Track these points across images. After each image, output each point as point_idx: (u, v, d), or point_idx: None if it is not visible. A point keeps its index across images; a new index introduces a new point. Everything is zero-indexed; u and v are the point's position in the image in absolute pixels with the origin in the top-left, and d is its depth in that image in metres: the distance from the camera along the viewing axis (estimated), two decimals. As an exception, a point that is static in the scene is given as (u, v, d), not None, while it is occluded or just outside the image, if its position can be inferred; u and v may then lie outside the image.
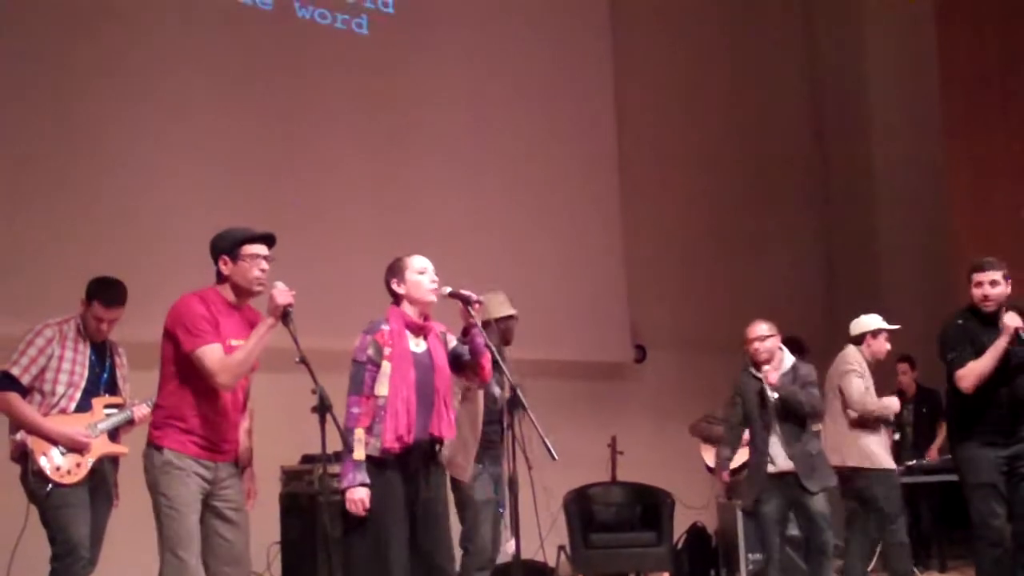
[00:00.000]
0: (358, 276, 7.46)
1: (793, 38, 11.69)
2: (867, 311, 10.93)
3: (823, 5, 11.91)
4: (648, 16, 10.26)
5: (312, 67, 7.96)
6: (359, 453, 4.34)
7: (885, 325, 6.88)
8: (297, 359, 4.03)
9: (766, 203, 10.78)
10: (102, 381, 5.09)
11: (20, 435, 4.89)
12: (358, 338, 4.51)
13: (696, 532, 8.24)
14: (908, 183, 10.96)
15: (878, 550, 7.18)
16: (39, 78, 6.67)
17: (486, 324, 5.43)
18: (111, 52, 6.99)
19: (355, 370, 4.46)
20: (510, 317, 5.86)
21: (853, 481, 6.63)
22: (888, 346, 6.88)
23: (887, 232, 11.31)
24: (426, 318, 4.61)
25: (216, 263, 4.25)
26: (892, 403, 6.67)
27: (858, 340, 6.91)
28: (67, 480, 4.85)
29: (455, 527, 5.08)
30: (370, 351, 4.46)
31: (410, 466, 4.42)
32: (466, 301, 4.53)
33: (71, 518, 4.83)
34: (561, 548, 7.73)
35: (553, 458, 4.81)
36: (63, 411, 4.94)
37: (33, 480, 4.83)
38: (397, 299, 4.60)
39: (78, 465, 4.89)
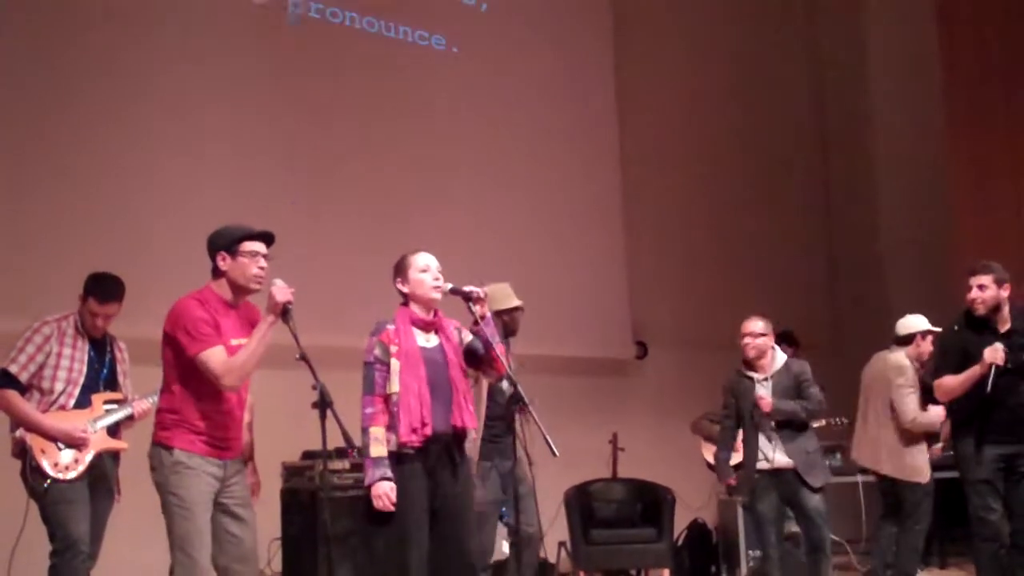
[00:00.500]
0: (358, 273, 7.49)
1: (795, 38, 11.67)
2: (869, 309, 11.03)
3: (825, 5, 11.89)
4: (649, 16, 10.25)
5: (312, 66, 7.95)
6: (376, 451, 4.37)
7: (932, 326, 6.83)
8: (297, 356, 4.04)
9: (768, 201, 10.77)
10: (101, 377, 5.10)
11: (19, 432, 4.91)
12: (366, 341, 4.54)
13: (697, 528, 8.25)
14: (910, 182, 10.95)
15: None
16: (39, 76, 6.66)
17: (496, 315, 5.52)
18: (111, 50, 6.98)
19: (365, 372, 4.50)
20: (515, 308, 5.88)
21: (888, 486, 6.71)
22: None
23: (889, 231, 11.30)
24: (436, 314, 4.62)
25: (214, 259, 4.24)
26: (938, 414, 6.57)
27: (906, 340, 6.86)
28: (65, 476, 4.87)
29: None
30: (377, 351, 4.49)
31: (431, 460, 4.43)
32: (467, 297, 4.53)
33: (70, 514, 4.84)
34: (562, 544, 7.74)
35: (554, 454, 4.82)
36: (62, 408, 4.96)
37: (32, 476, 4.85)
38: (404, 298, 4.61)
39: (76, 461, 4.90)
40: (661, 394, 9.52)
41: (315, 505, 6.18)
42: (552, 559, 7.52)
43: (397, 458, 4.39)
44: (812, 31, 11.84)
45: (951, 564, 8.46)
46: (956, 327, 5.89)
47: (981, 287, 5.73)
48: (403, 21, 8.57)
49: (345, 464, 6.34)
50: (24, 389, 4.93)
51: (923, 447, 6.69)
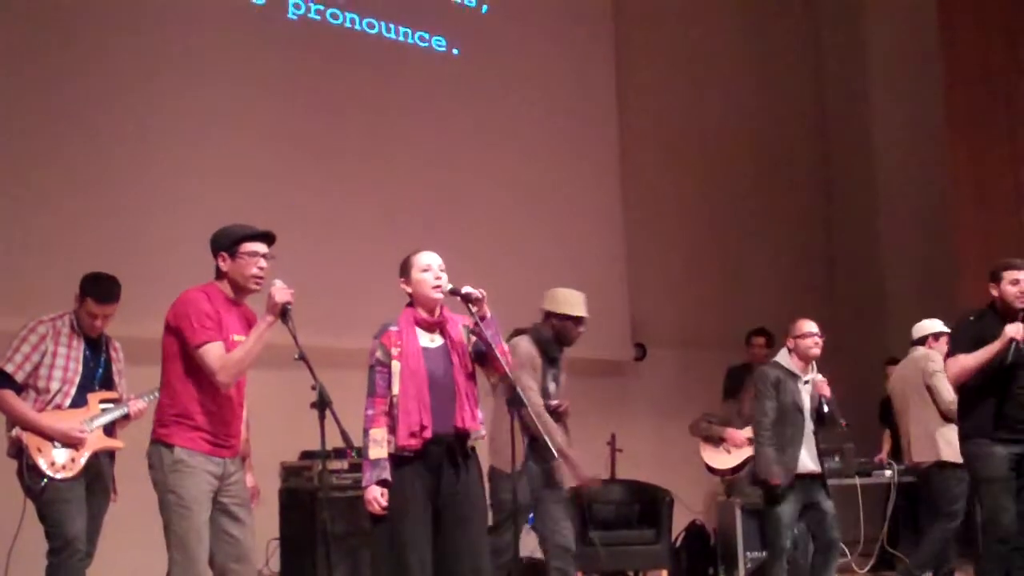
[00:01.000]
0: (358, 274, 7.50)
1: (796, 37, 11.68)
2: (868, 310, 11.04)
3: (825, 4, 11.90)
4: (650, 18, 10.25)
5: (312, 67, 7.95)
6: (374, 453, 4.36)
7: (946, 328, 6.86)
8: (296, 356, 4.04)
9: (767, 203, 10.78)
10: (97, 376, 5.11)
11: (15, 431, 4.91)
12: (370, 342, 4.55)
13: (695, 530, 8.25)
14: (910, 182, 10.96)
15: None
16: (41, 76, 6.66)
17: (546, 316, 5.57)
18: (110, 50, 6.98)
19: (369, 374, 4.49)
20: (565, 316, 5.59)
21: (931, 477, 6.74)
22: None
23: (889, 231, 11.31)
24: (442, 313, 4.61)
25: (215, 259, 4.26)
26: None
27: (920, 343, 6.98)
28: (62, 475, 4.87)
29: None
30: (378, 354, 4.48)
31: (432, 461, 4.42)
32: (465, 299, 4.52)
33: (67, 513, 4.85)
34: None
35: (553, 456, 4.83)
36: (58, 407, 4.96)
37: (28, 475, 4.86)
38: (410, 298, 4.61)
39: (72, 460, 4.91)
40: (659, 395, 9.53)
41: (313, 505, 6.18)
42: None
43: (396, 460, 4.38)
44: (813, 30, 11.85)
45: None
46: (972, 317, 5.83)
47: (1015, 282, 5.65)
48: (403, 22, 8.57)
49: (344, 464, 6.35)
50: (20, 388, 4.93)
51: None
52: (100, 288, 5.06)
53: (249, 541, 4.25)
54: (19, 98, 6.58)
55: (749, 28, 11.03)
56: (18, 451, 4.91)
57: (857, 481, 7.75)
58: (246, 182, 7.35)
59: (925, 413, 6.82)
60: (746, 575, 7.48)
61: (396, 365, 4.43)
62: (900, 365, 7.19)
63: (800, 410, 6.02)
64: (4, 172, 6.48)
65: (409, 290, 4.58)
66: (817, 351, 6.10)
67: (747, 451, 7.64)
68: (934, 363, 6.77)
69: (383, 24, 8.47)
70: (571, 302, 5.62)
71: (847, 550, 8.10)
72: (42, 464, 4.84)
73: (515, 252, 8.75)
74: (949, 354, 5.80)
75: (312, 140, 7.85)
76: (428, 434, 4.37)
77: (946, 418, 6.66)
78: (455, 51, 8.87)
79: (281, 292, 4.08)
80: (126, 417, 5.12)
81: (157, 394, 4.43)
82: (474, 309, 4.47)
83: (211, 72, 7.40)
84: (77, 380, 5.02)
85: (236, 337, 4.16)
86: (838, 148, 11.68)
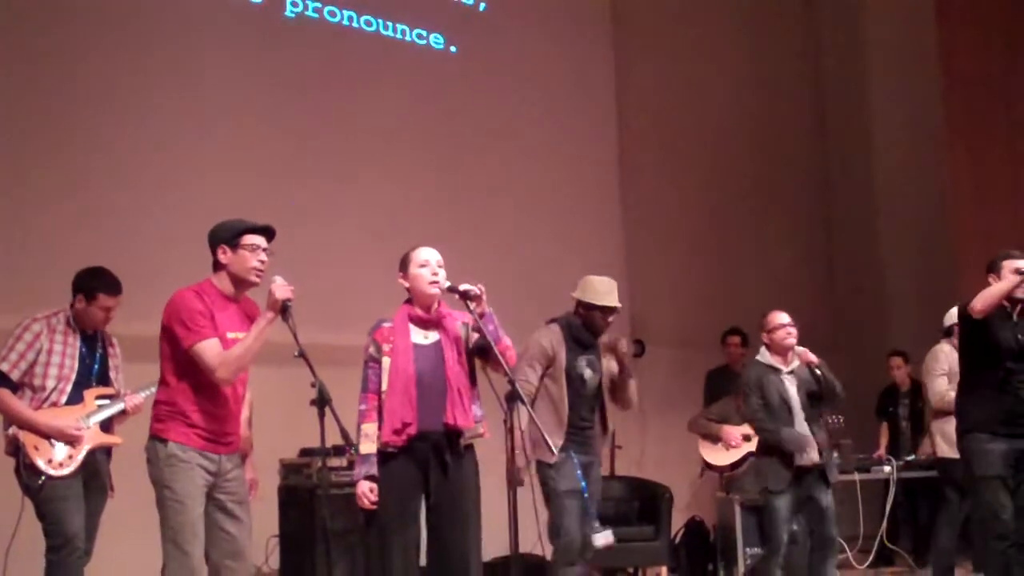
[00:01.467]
0: (358, 271, 7.50)
1: (795, 37, 11.67)
2: (867, 307, 11.03)
3: (824, 5, 11.90)
4: (649, 16, 10.24)
5: (310, 64, 7.95)
6: (365, 447, 4.40)
7: None
8: (296, 353, 4.04)
9: (767, 200, 10.78)
10: (93, 372, 5.10)
11: (12, 430, 4.91)
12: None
13: (694, 526, 8.25)
14: (909, 181, 10.96)
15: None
16: (39, 77, 6.66)
17: (576, 305, 5.51)
18: (108, 49, 6.99)
19: (363, 371, 4.55)
20: (592, 306, 5.48)
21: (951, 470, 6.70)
22: None
23: (888, 230, 11.31)
24: (439, 310, 4.61)
25: (214, 252, 4.26)
26: None
27: (949, 332, 6.89)
28: (59, 473, 4.86)
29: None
30: (371, 350, 4.53)
31: (419, 458, 4.43)
32: (463, 295, 4.53)
33: (65, 510, 4.85)
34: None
35: (552, 453, 4.83)
36: (54, 404, 4.95)
37: (26, 474, 4.86)
38: (409, 293, 4.62)
39: (70, 457, 4.90)
40: (659, 392, 9.51)
41: (313, 502, 6.19)
42: (550, 556, 7.52)
43: (382, 456, 4.41)
44: (812, 30, 11.85)
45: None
46: None
47: (1017, 271, 5.66)
48: (401, 20, 8.57)
49: (343, 461, 6.35)
50: (16, 387, 4.92)
51: None
52: (108, 280, 5.07)
53: (245, 539, 4.26)
54: (18, 99, 6.58)
55: (748, 28, 11.02)
56: (15, 449, 4.90)
57: (856, 477, 7.75)
58: (245, 181, 7.35)
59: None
60: (745, 571, 7.48)
61: (387, 361, 4.46)
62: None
63: (787, 404, 6.00)
64: (2, 172, 6.48)
65: (407, 285, 4.60)
66: (792, 340, 6.05)
67: (746, 448, 7.66)
68: (936, 363, 6.82)
69: (381, 22, 8.47)
70: (599, 291, 5.50)
71: (846, 546, 8.12)
72: (39, 462, 4.84)
73: (514, 250, 8.75)
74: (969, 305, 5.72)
75: (311, 138, 7.85)
76: (413, 431, 4.40)
77: (939, 413, 6.72)
78: (453, 49, 8.87)
79: (281, 289, 4.08)
80: (123, 413, 5.11)
81: (153, 388, 4.44)
82: (472, 306, 4.48)
83: (209, 71, 7.40)
84: (73, 377, 5.01)
85: (231, 335, 4.17)
86: (837, 147, 11.68)
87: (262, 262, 4.24)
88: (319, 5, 8.12)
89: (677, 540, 8.11)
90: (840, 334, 10.79)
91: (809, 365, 6.05)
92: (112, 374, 5.20)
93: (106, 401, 5.09)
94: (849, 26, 11.73)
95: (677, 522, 8.06)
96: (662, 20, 10.34)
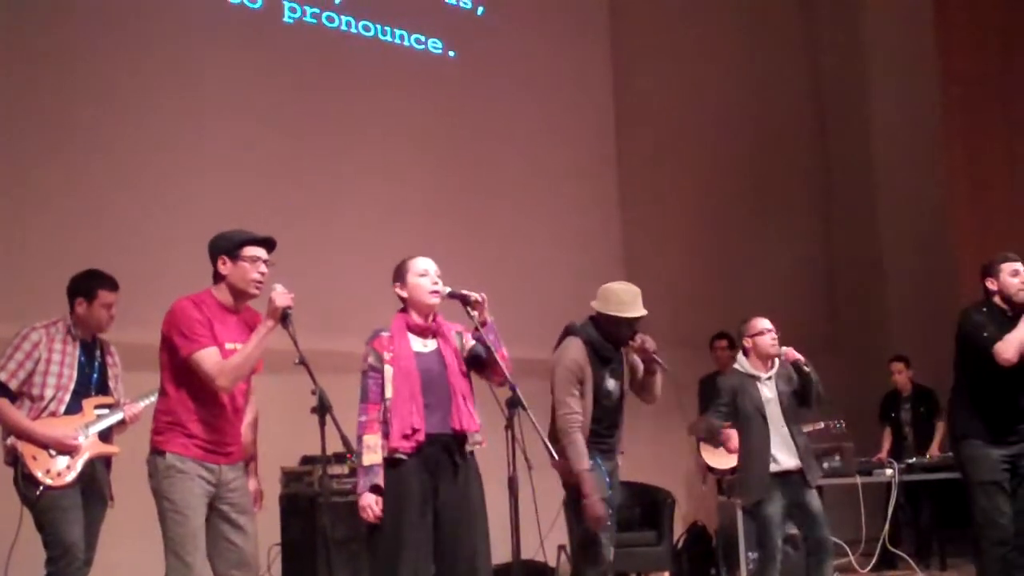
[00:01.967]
0: (358, 278, 7.48)
1: (793, 38, 11.68)
2: (866, 309, 11.03)
3: (823, 6, 11.90)
4: (646, 21, 10.25)
5: (308, 70, 7.95)
6: (368, 459, 4.36)
7: None
8: (296, 360, 4.04)
9: (766, 202, 10.77)
10: (92, 382, 5.08)
11: (10, 440, 4.88)
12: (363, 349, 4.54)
13: (696, 531, 8.24)
14: (908, 182, 10.97)
15: None
16: (38, 79, 6.65)
17: (596, 315, 5.25)
18: (109, 54, 6.97)
19: (361, 381, 4.51)
20: (616, 318, 5.17)
21: None
22: None
23: (887, 231, 11.32)
24: (435, 319, 4.61)
25: (214, 264, 4.25)
26: None
27: None
28: (58, 483, 4.84)
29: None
30: (371, 359, 4.50)
31: (428, 463, 4.42)
32: (465, 301, 4.52)
33: (64, 520, 4.82)
34: (561, 548, 7.71)
35: (553, 458, 4.81)
36: (53, 414, 4.92)
37: (24, 484, 4.83)
38: (404, 303, 4.60)
39: (68, 467, 4.88)
40: (660, 396, 9.50)
41: (314, 510, 6.17)
42: (552, 563, 7.51)
43: (391, 463, 4.38)
44: (811, 31, 11.86)
45: (951, 565, 8.46)
46: (985, 309, 5.67)
47: (1015, 273, 5.59)
48: (399, 25, 8.57)
49: (344, 469, 6.33)
50: (14, 397, 4.89)
51: None
52: (104, 277, 5.07)
53: (250, 548, 4.25)
54: (17, 99, 6.57)
55: (747, 29, 11.03)
56: (14, 459, 4.87)
57: (858, 480, 7.73)
58: (244, 185, 7.34)
59: None
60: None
61: (389, 370, 4.44)
62: None
63: (761, 413, 5.90)
64: (1, 173, 6.46)
65: (404, 295, 4.59)
66: (776, 347, 5.94)
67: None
68: None
69: (379, 27, 8.47)
70: (623, 301, 5.21)
71: (848, 549, 8.11)
72: (38, 473, 4.81)
73: (512, 252, 8.75)
74: (990, 339, 5.51)
75: (309, 142, 7.84)
76: (422, 436, 4.38)
77: None
78: (451, 53, 8.87)
79: (281, 296, 4.07)
80: (122, 422, 5.09)
81: (153, 397, 4.42)
82: (474, 313, 4.47)
83: (208, 75, 7.39)
84: (71, 386, 4.98)
85: (230, 345, 4.15)
86: (836, 148, 11.68)
87: (262, 274, 4.22)
88: (317, 11, 8.11)
89: (679, 545, 8.10)
90: (839, 336, 10.79)
91: (796, 363, 5.97)
92: (111, 383, 5.17)
93: (105, 410, 5.07)
94: (848, 26, 11.74)
95: (679, 527, 8.04)
96: (660, 23, 10.34)
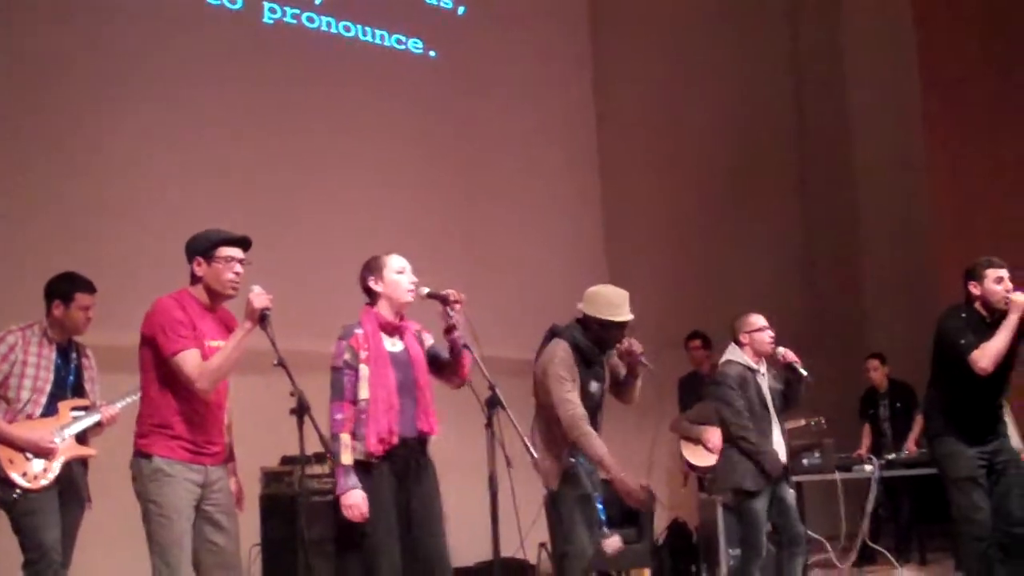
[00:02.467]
0: (337, 278, 7.43)
1: (774, 37, 11.70)
2: (846, 308, 11.07)
3: (803, 7, 11.93)
4: (627, 20, 10.24)
5: (288, 71, 7.92)
6: (347, 458, 4.36)
7: None
8: (275, 362, 4.04)
9: (747, 203, 10.79)
10: (68, 384, 5.08)
11: None
12: (334, 345, 4.52)
13: (677, 528, 8.26)
14: (889, 182, 11.02)
15: None
16: (10, 83, 6.61)
17: (584, 319, 5.24)
18: (86, 55, 6.94)
19: (334, 377, 4.48)
20: (605, 322, 5.19)
21: None
22: None
23: (867, 230, 11.38)
24: (401, 318, 4.62)
25: (191, 264, 4.25)
26: None
27: None
28: (35, 486, 4.83)
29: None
30: (346, 356, 4.48)
31: (399, 466, 4.43)
32: (444, 301, 4.52)
33: (41, 523, 4.82)
34: (542, 546, 7.73)
35: (533, 457, 4.83)
36: (29, 417, 4.93)
37: (0, 487, 4.82)
38: (373, 298, 4.60)
39: (45, 470, 4.88)
40: (641, 394, 9.52)
41: (295, 511, 6.16)
42: (533, 561, 7.52)
43: (365, 467, 4.38)
44: (792, 31, 11.89)
45: (931, 560, 8.52)
46: (963, 315, 5.70)
47: (999, 280, 5.61)
48: (380, 25, 8.55)
49: (325, 469, 6.32)
50: None
51: None
52: (81, 280, 5.07)
53: (233, 549, 4.25)
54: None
55: (728, 30, 11.03)
56: (-10, 462, 4.87)
57: (837, 476, 7.77)
58: (222, 186, 7.32)
59: None
60: (728, 572, 7.50)
61: (364, 369, 4.43)
62: None
63: (764, 404, 6.00)
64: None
65: (379, 289, 4.58)
66: (772, 345, 6.02)
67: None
68: None
69: (359, 27, 8.46)
70: (613, 304, 5.22)
71: (828, 545, 8.15)
72: (14, 476, 4.80)
73: (494, 252, 8.75)
74: (967, 346, 5.53)
75: (289, 143, 7.82)
76: (395, 439, 4.38)
77: None
78: (432, 54, 8.86)
79: (259, 298, 4.07)
80: (99, 424, 5.09)
81: (130, 399, 4.41)
82: (451, 312, 4.47)
83: (187, 76, 7.36)
84: (48, 389, 4.98)
85: (212, 343, 4.15)
86: (817, 150, 11.71)
87: (237, 274, 4.21)
88: (297, 11, 8.10)
89: (660, 542, 8.12)
90: (819, 334, 10.82)
91: (791, 364, 6.02)
92: (87, 385, 5.17)
93: (81, 413, 5.06)
94: (829, 28, 11.78)
95: (660, 524, 8.06)
96: (641, 23, 10.35)
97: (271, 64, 7.85)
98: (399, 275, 4.58)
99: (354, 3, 8.45)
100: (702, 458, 7.90)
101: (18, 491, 4.80)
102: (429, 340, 4.69)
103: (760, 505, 5.93)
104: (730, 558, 7.49)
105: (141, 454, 4.12)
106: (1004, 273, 5.63)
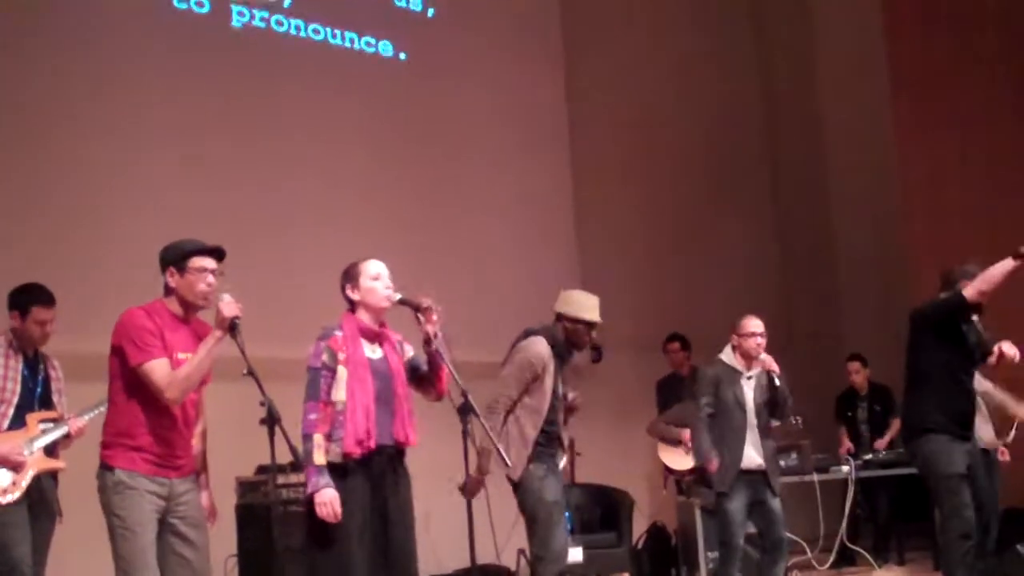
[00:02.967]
0: (308, 284, 7.39)
1: (745, 41, 11.72)
2: (822, 310, 11.10)
3: (773, 11, 11.95)
4: (599, 23, 10.25)
5: (258, 75, 7.87)
6: (319, 458, 4.29)
7: None
8: (244, 371, 3.98)
9: (720, 205, 10.79)
10: (36, 396, 5.02)
11: None
12: (312, 345, 4.47)
13: (656, 532, 8.24)
14: (861, 184, 11.04)
15: None
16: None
17: (558, 318, 5.43)
18: (54, 60, 6.87)
19: (311, 376, 4.41)
20: (578, 320, 5.43)
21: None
22: None
23: (841, 231, 11.42)
24: (382, 325, 4.57)
25: (164, 274, 4.18)
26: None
27: None
28: (3, 499, 4.77)
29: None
30: (324, 357, 4.41)
31: (374, 471, 4.38)
32: (416, 308, 4.47)
33: (10, 537, 4.76)
34: (521, 552, 7.69)
35: (507, 464, 4.79)
36: None
37: None
38: (352, 305, 4.56)
39: (14, 484, 4.81)
40: (617, 398, 9.50)
41: (271, 520, 6.11)
42: (512, 567, 7.49)
43: (339, 470, 4.31)
44: (762, 33, 11.91)
45: (909, 560, 8.52)
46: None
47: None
48: (349, 28, 8.51)
49: (300, 477, 6.25)
50: None
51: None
52: (40, 294, 5.01)
53: (202, 563, 4.17)
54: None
55: (699, 33, 11.04)
56: (-41, 476, 4.80)
57: (815, 477, 7.76)
58: (192, 193, 7.25)
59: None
60: (707, 575, 7.48)
61: (342, 371, 4.38)
62: None
63: (742, 406, 5.99)
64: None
65: (356, 297, 4.53)
66: (760, 351, 6.02)
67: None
68: None
69: (329, 30, 8.41)
70: (585, 305, 5.46)
71: (807, 547, 8.14)
72: (-18, 490, 4.75)
73: (467, 257, 8.72)
74: (954, 294, 5.64)
75: (259, 148, 7.77)
76: (372, 444, 4.33)
77: None
78: (402, 56, 8.82)
79: (229, 306, 4.01)
80: (67, 436, 5.02)
81: (98, 410, 4.34)
82: (423, 319, 4.42)
83: (154, 81, 7.30)
84: (15, 400, 4.93)
85: (181, 355, 4.08)
86: (790, 153, 11.74)
87: (209, 285, 4.14)
88: (266, 14, 8.04)
89: (639, 546, 8.10)
90: (795, 335, 10.83)
91: (771, 373, 6.02)
92: (55, 397, 5.12)
93: (50, 425, 5.00)
94: (799, 31, 11.81)
95: (639, 528, 8.03)
96: (612, 26, 10.34)
97: (240, 68, 7.80)
98: (374, 281, 4.53)
99: (323, 5, 8.41)
100: (680, 461, 7.89)
101: (-14, 506, 4.74)
102: (410, 351, 4.64)
103: (734, 505, 5.93)
104: (709, 561, 7.48)
105: (105, 466, 4.06)
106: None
